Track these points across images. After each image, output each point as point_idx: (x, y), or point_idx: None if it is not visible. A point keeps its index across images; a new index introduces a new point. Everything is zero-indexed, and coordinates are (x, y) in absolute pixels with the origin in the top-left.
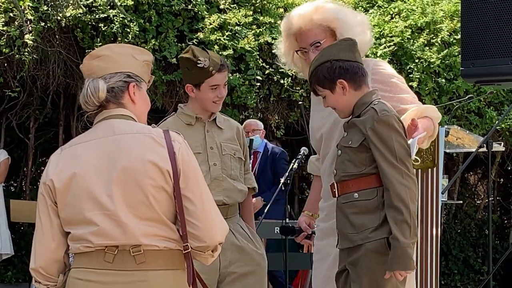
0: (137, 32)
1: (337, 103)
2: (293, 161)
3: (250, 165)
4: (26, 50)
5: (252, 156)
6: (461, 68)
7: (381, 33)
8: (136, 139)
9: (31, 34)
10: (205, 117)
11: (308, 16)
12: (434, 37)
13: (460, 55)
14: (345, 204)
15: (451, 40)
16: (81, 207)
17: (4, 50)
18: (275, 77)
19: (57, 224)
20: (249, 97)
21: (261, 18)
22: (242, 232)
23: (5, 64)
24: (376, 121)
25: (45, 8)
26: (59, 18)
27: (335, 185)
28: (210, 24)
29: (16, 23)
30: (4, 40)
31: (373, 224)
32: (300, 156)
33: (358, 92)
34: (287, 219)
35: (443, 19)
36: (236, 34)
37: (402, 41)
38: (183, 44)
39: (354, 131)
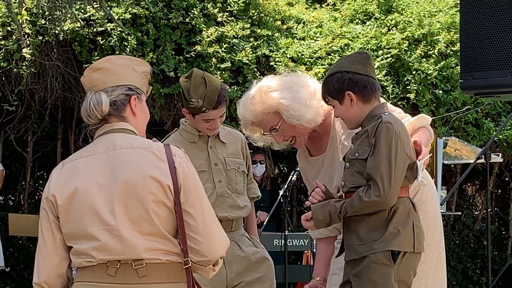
0: (135, 46)
1: (344, 114)
2: (291, 174)
3: None
4: (24, 64)
5: None
6: (460, 81)
7: (378, 45)
8: (137, 153)
9: (29, 48)
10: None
11: (254, 109)
12: (431, 49)
13: (457, 67)
14: (350, 217)
15: (448, 51)
16: (83, 222)
17: (2, 64)
18: None
19: (60, 238)
20: None
21: (259, 30)
22: (247, 242)
23: (3, 78)
24: (378, 132)
25: (43, 22)
26: (57, 32)
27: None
28: (208, 37)
29: (14, 37)
30: (2, 54)
31: (379, 236)
32: (298, 168)
33: (366, 105)
34: (286, 231)
35: (440, 31)
36: (234, 47)
37: (399, 53)
38: (181, 57)
39: (360, 142)
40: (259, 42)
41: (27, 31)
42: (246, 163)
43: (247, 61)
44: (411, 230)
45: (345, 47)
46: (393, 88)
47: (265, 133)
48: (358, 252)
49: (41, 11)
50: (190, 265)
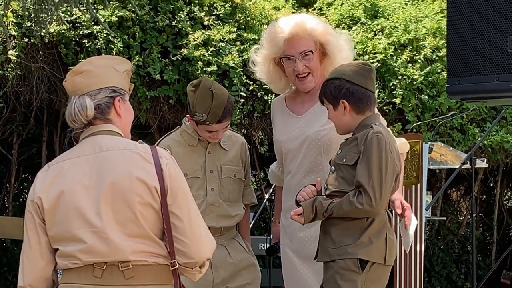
0: (121, 48)
1: (336, 119)
2: None
3: None
4: (9, 66)
5: None
6: (447, 86)
7: (364, 50)
8: (123, 155)
9: (14, 50)
10: None
11: (304, 25)
12: (417, 54)
13: (442, 72)
14: (330, 219)
15: (434, 57)
16: (70, 225)
17: None
18: (259, 93)
19: (45, 241)
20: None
21: (245, 34)
22: (237, 247)
23: None
24: (368, 141)
25: (29, 24)
26: (42, 34)
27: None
28: (194, 40)
29: None
30: None
31: (350, 241)
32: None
33: (359, 115)
34: (271, 235)
35: (426, 36)
36: (220, 51)
37: (385, 58)
38: (167, 60)
39: (349, 148)
40: (245, 46)
41: (13, 33)
42: (244, 169)
43: (233, 65)
44: (383, 242)
45: None
46: (379, 93)
47: (288, 55)
48: (330, 254)
49: (27, 13)
50: (177, 267)
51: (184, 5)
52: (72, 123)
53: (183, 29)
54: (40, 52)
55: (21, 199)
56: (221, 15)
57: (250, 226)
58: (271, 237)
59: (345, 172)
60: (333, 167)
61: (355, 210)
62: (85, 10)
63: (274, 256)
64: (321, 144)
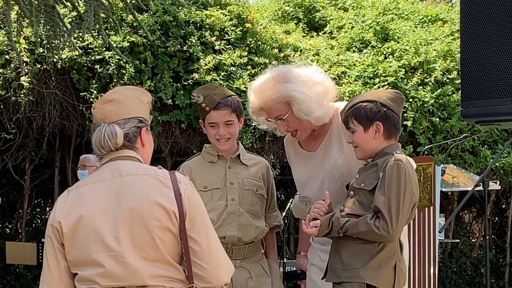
0: (133, 73)
1: (363, 141)
2: (290, 201)
3: None
4: (22, 92)
5: None
6: (461, 109)
7: (375, 73)
8: (142, 180)
9: (27, 76)
10: (228, 154)
11: (265, 96)
12: (427, 77)
13: (453, 94)
14: (342, 240)
15: (444, 79)
16: (88, 249)
17: (0, 92)
18: None
19: (65, 266)
20: (244, 137)
21: (256, 58)
22: (259, 271)
23: (1, 106)
24: (389, 167)
25: (41, 50)
26: (55, 60)
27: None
28: (206, 65)
29: (12, 65)
30: (0, 82)
31: (359, 265)
32: (296, 195)
33: (386, 141)
34: (285, 259)
35: (436, 59)
36: (231, 75)
37: (396, 81)
38: (178, 85)
39: (368, 173)
40: (256, 70)
41: (25, 59)
42: (267, 188)
43: (244, 89)
44: (392, 269)
45: (342, 75)
46: None
47: (270, 119)
48: (338, 276)
49: (39, 39)
50: None
51: (195, 30)
52: (100, 149)
53: (194, 53)
54: (53, 78)
55: (33, 225)
56: (232, 39)
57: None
58: (285, 261)
59: (362, 196)
60: (351, 192)
61: (371, 233)
62: (97, 36)
63: (292, 281)
64: (341, 173)
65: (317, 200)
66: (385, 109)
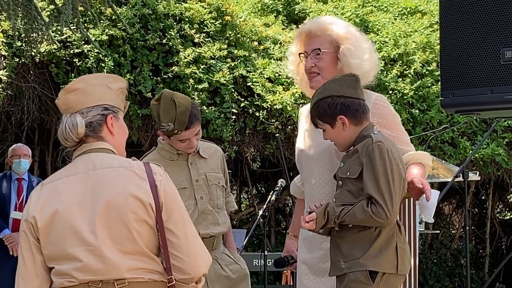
0: (112, 67)
1: (336, 137)
2: (270, 193)
3: (16, 194)
4: (0, 86)
5: (17, 182)
6: (441, 98)
7: None
8: (117, 173)
9: (5, 70)
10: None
11: (323, 25)
12: (407, 69)
13: (433, 86)
14: (338, 232)
15: (424, 71)
16: (65, 243)
17: None
18: (250, 110)
19: (40, 260)
20: (224, 130)
21: (236, 51)
22: (228, 259)
23: None
24: (371, 150)
25: (19, 44)
26: (33, 53)
27: None
28: (185, 58)
29: None
30: None
31: (360, 254)
32: (277, 188)
33: (358, 127)
34: (266, 251)
35: (416, 50)
36: (211, 68)
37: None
38: (158, 78)
39: (351, 161)
40: (236, 63)
41: (3, 53)
42: (225, 177)
43: (224, 82)
44: (393, 251)
45: None
46: None
47: (303, 51)
48: (341, 268)
49: (17, 33)
50: (174, 283)
51: (174, 23)
52: (64, 141)
53: (174, 46)
54: (31, 72)
55: None
56: (212, 32)
57: (244, 242)
58: (266, 254)
59: (350, 185)
60: (339, 182)
61: (369, 219)
62: (75, 29)
63: (282, 268)
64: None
65: (311, 165)
66: (341, 100)
